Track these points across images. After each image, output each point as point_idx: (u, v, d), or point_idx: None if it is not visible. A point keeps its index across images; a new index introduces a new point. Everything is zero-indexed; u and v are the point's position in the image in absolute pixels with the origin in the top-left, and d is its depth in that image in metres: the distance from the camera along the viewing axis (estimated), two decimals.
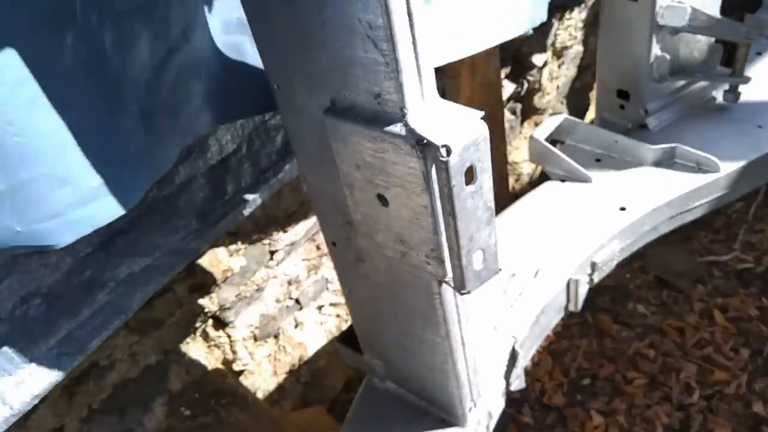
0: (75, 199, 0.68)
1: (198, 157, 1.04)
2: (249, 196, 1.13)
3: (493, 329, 1.26)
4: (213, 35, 0.91)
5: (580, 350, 2.25)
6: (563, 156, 1.57)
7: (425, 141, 0.66)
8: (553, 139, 1.66)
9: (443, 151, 0.65)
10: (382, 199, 0.77)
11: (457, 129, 0.66)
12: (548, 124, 1.64)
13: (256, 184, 1.15)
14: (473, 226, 0.72)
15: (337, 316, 1.88)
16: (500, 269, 0.80)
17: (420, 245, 0.79)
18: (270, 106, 0.99)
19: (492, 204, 0.73)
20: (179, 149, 0.88)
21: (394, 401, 1.19)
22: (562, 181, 1.60)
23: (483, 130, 0.67)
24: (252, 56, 0.95)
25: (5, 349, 0.87)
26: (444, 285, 0.87)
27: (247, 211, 1.14)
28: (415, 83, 0.67)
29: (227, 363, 1.50)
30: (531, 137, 1.60)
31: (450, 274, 0.79)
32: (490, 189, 0.71)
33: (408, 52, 0.64)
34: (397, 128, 0.68)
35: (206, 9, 0.89)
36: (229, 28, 0.92)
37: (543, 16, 1.27)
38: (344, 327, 1.90)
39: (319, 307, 1.81)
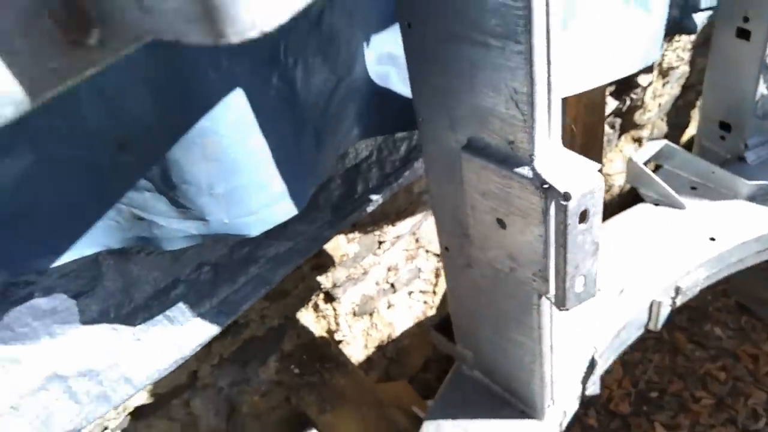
0: (267, 201, 0.87)
1: (338, 162, 1.22)
2: (374, 197, 1.31)
3: (577, 338, 1.39)
4: (367, 65, 1.08)
5: (652, 364, 2.33)
6: (659, 181, 1.66)
7: (548, 185, 0.80)
8: (650, 163, 1.74)
9: (564, 196, 0.79)
10: (501, 223, 0.92)
11: (577, 178, 0.80)
12: (648, 148, 1.72)
13: (380, 186, 1.32)
14: (580, 256, 0.86)
15: (425, 302, 2.05)
16: (597, 293, 0.94)
17: (529, 265, 0.93)
18: (405, 126, 1.16)
19: (599, 239, 0.87)
20: (334, 160, 1.06)
21: (479, 389, 1.35)
22: (656, 204, 1.68)
23: (599, 182, 0.80)
24: (395, 84, 1.11)
25: (180, 304, 1.09)
26: (543, 298, 1.02)
27: (370, 209, 1.32)
28: (545, 136, 0.81)
29: (330, 332, 1.71)
30: (630, 159, 1.69)
31: (552, 292, 0.93)
32: (599, 227, 0.85)
33: (543, 113, 0.78)
34: (525, 171, 0.82)
35: (365, 45, 1.06)
36: (380, 60, 1.09)
37: (656, 56, 1.36)
38: (429, 313, 2.08)
39: (410, 293, 1.99)
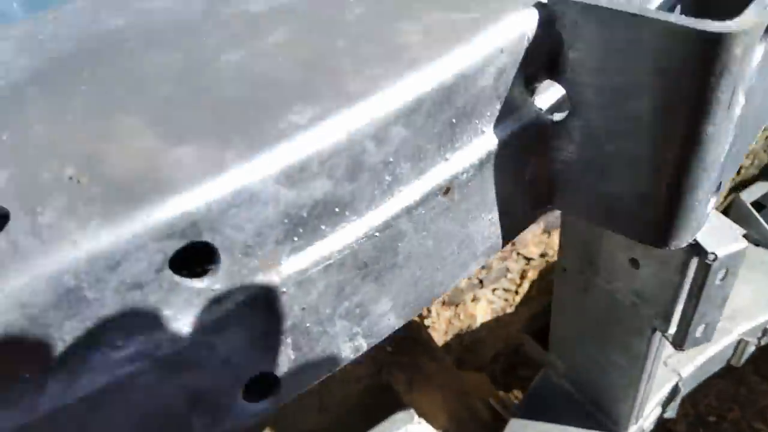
0: None
1: None
2: None
3: (664, 364, 1.47)
4: None
5: (714, 390, 2.37)
6: (764, 223, 1.69)
7: (696, 242, 0.88)
8: (757, 203, 1.77)
9: (711, 256, 0.86)
10: (634, 263, 1.01)
11: (725, 241, 0.88)
12: (756, 189, 1.75)
13: None
14: (709, 308, 0.94)
15: (505, 300, 2.15)
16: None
17: (654, 304, 1.02)
18: None
19: (728, 296, 0.94)
20: None
21: (564, 396, 1.45)
22: (756, 245, 1.72)
23: (743, 247, 0.87)
24: None
25: None
26: (656, 332, 1.10)
27: None
28: None
29: (421, 317, 1.84)
30: (738, 197, 1.73)
31: (671, 332, 1.01)
32: (732, 286, 0.92)
33: None
34: None
35: None
36: None
37: None
38: (508, 310, 2.18)
39: (494, 290, 2.09)
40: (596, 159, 0.33)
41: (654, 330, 1.10)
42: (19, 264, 0.22)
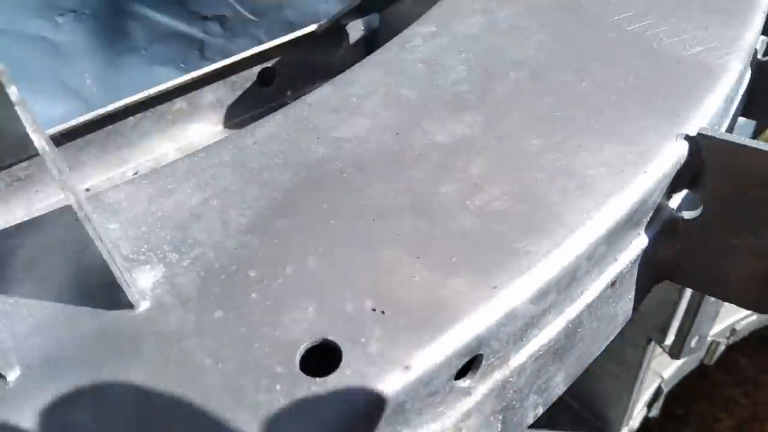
0: None
1: None
2: None
3: (648, 369, 1.58)
4: None
5: (680, 384, 2.53)
6: None
7: None
8: None
9: None
10: None
11: None
12: None
13: None
14: (703, 321, 1.04)
15: None
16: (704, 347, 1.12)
17: (653, 318, 1.11)
18: None
19: (720, 310, 1.05)
20: None
21: (559, 404, 1.53)
22: None
23: None
24: None
25: None
26: (651, 342, 1.20)
27: None
28: None
29: None
30: None
31: (668, 343, 1.11)
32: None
33: None
34: None
35: None
36: None
37: None
38: None
39: None
40: (720, 248, 0.40)
41: (649, 341, 1.19)
42: (362, 391, 0.27)
